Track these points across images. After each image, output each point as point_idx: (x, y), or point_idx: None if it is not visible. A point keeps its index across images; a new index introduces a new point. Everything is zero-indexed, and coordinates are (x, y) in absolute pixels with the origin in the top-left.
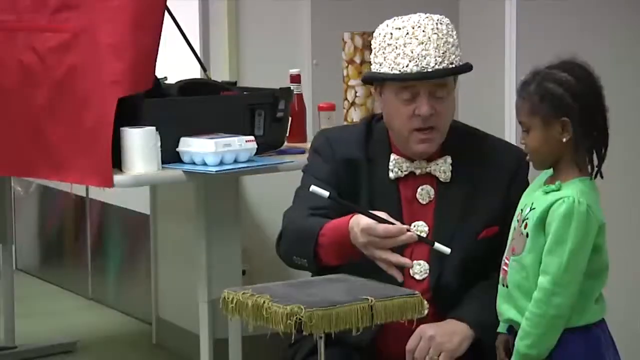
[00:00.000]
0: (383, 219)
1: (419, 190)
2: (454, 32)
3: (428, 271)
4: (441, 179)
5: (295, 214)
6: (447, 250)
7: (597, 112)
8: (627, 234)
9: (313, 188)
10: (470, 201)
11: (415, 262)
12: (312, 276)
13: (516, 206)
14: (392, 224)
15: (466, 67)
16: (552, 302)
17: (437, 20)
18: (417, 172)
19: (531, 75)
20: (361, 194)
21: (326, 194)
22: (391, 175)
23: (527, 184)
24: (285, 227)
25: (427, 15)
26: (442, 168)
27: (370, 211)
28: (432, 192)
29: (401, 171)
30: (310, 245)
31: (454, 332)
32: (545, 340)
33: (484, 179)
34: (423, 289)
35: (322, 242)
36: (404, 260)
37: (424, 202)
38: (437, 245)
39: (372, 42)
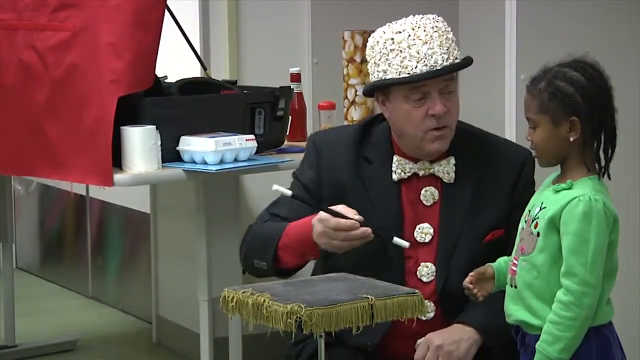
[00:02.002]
0: (339, 213)
1: (422, 191)
2: (450, 29)
3: (435, 273)
4: (445, 180)
5: (258, 219)
6: (406, 244)
7: (606, 112)
8: (630, 235)
9: (275, 187)
10: (475, 203)
11: (422, 264)
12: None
13: (522, 208)
14: (348, 218)
15: (469, 61)
16: (584, 303)
17: (433, 18)
18: (421, 173)
19: (542, 72)
20: (357, 196)
21: (289, 192)
22: (394, 176)
23: (533, 185)
24: (247, 231)
25: (422, 15)
26: (446, 169)
27: (331, 208)
28: (436, 193)
29: (404, 172)
30: (272, 246)
31: (461, 338)
32: (576, 343)
33: (489, 181)
34: (430, 291)
35: (285, 242)
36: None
37: (429, 204)
38: (395, 239)
39: (369, 52)
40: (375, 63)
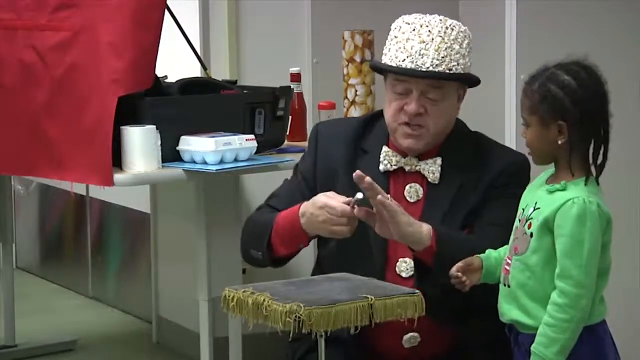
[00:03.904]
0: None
1: (407, 187)
2: (465, 42)
3: (414, 269)
4: (429, 179)
5: (255, 210)
6: (360, 195)
7: (598, 119)
8: (627, 234)
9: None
10: (455, 204)
11: (401, 259)
12: (314, 271)
13: (493, 203)
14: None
15: (466, 76)
16: (579, 305)
17: (450, 25)
18: (407, 168)
19: (539, 72)
20: (347, 186)
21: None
22: (381, 167)
23: (515, 185)
24: (246, 222)
25: (443, 18)
26: (431, 168)
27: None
28: (420, 191)
29: (391, 164)
30: (265, 235)
31: (420, 223)
32: (572, 344)
33: (473, 183)
34: (409, 287)
35: (276, 231)
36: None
37: (412, 200)
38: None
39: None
40: (386, 44)
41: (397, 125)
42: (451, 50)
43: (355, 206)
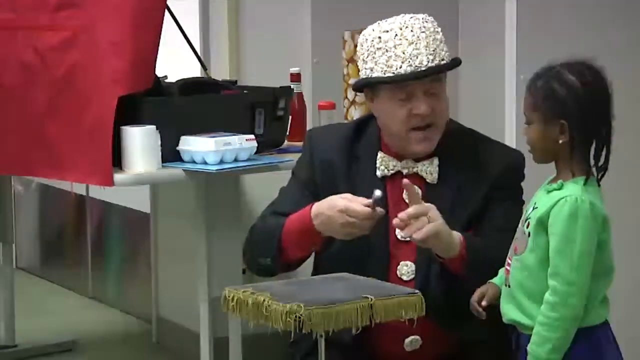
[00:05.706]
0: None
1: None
2: (439, 29)
3: (415, 273)
4: (428, 180)
5: (259, 218)
6: (378, 192)
7: (600, 120)
8: (628, 234)
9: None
10: (456, 204)
11: (402, 262)
12: (312, 274)
13: (494, 205)
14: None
15: (457, 62)
16: (569, 304)
17: (423, 19)
18: (404, 171)
19: (544, 70)
20: (343, 192)
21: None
22: (378, 173)
23: (514, 186)
24: (249, 231)
25: (412, 15)
26: (429, 169)
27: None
28: (419, 193)
29: (388, 170)
30: (274, 240)
31: (453, 234)
32: (565, 343)
33: (472, 182)
34: None
35: (287, 235)
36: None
37: None
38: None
39: (359, 48)
40: (363, 60)
41: (406, 132)
42: (437, 42)
43: (377, 207)
